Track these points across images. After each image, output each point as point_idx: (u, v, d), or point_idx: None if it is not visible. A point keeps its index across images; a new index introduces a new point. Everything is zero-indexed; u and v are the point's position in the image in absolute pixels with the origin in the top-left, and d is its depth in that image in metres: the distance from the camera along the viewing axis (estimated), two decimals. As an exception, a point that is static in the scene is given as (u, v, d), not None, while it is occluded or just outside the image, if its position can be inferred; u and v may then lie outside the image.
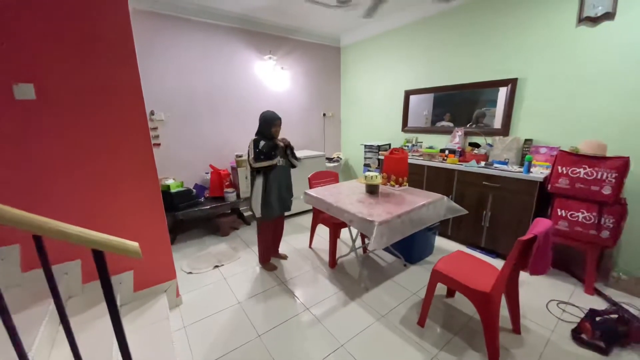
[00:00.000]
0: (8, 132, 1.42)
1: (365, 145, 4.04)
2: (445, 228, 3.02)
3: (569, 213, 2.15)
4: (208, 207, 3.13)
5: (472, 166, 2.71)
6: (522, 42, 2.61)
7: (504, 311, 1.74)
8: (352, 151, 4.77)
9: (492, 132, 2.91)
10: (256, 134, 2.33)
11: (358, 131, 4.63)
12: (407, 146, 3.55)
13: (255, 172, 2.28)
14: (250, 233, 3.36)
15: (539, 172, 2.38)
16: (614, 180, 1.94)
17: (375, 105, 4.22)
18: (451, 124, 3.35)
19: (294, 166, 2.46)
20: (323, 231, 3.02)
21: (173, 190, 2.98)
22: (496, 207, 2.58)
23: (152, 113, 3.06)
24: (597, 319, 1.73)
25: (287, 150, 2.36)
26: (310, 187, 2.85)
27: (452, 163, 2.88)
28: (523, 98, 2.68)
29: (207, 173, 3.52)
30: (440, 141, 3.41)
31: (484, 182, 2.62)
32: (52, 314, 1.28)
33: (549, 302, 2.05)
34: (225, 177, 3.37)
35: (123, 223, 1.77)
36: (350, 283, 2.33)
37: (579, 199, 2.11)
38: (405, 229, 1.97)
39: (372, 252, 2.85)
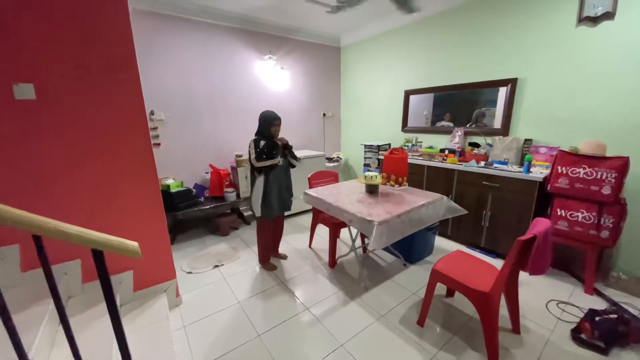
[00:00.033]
0: (8, 132, 1.42)
1: (365, 145, 4.04)
2: (445, 228, 3.02)
3: (569, 213, 2.15)
4: (208, 207, 3.13)
5: (472, 166, 2.71)
6: (522, 42, 2.61)
7: (503, 311, 1.74)
8: (352, 151, 4.77)
9: (492, 132, 2.91)
10: (256, 134, 2.33)
11: (358, 131, 4.63)
12: (407, 146, 3.55)
13: (256, 171, 2.28)
14: (250, 233, 3.36)
15: (538, 172, 2.38)
16: (613, 180, 1.94)
17: (375, 105, 4.22)
18: (451, 124, 3.35)
19: (293, 166, 2.46)
20: (323, 231, 3.02)
21: (173, 190, 2.98)
22: (496, 207, 2.58)
23: (152, 113, 3.06)
24: (597, 318, 1.73)
25: (285, 150, 2.36)
26: (310, 187, 2.85)
27: (451, 163, 2.88)
28: (523, 98, 2.68)
29: (207, 173, 3.52)
30: (440, 141, 3.41)
31: (483, 182, 2.62)
32: (52, 313, 1.28)
33: (549, 302, 2.05)
34: (225, 177, 3.37)
35: (123, 223, 1.77)
36: (350, 283, 2.33)
37: (579, 199, 2.11)
38: (404, 229, 1.97)
39: (371, 252, 2.86)
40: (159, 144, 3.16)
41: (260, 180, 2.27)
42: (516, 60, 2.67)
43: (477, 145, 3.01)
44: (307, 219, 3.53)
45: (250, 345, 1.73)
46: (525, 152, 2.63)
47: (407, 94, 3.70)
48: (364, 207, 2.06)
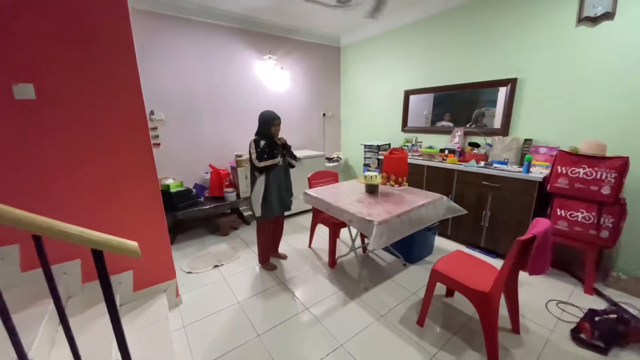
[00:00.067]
0: (8, 132, 1.42)
1: (365, 145, 4.04)
2: (445, 228, 3.02)
3: (568, 213, 2.15)
4: (208, 206, 3.13)
5: (472, 166, 2.71)
6: (522, 42, 2.61)
7: (503, 311, 1.74)
8: (351, 151, 4.77)
9: (492, 132, 2.91)
10: (256, 134, 2.33)
11: (358, 131, 4.63)
12: (407, 146, 3.55)
13: (257, 171, 2.28)
14: (250, 233, 3.37)
15: (538, 172, 2.38)
16: (613, 180, 1.94)
17: (375, 105, 4.22)
18: (451, 124, 3.35)
19: (292, 166, 2.46)
20: (323, 231, 3.02)
21: (173, 190, 2.98)
22: (496, 207, 2.59)
23: (152, 113, 3.06)
24: (597, 318, 1.73)
25: (284, 149, 2.36)
26: (310, 187, 2.85)
27: (451, 163, 2.88)
28: (523, 98, 2.68)
29: (206, 173, 3.52)
30: (440, 141, 3.41)
31: (483, 182, 2.62)
32: (52, 313, 1.28)
33: (549, 302, 2.05)
34: (225, 177, 3.38)
35: (122, 223, 1.77)
36: (349, 283, 2.33)
37: (579, 199, 2.11)
38: (404, 229, 1.97)
39: (371, 251, 2.86)
40: (158, 144, 3.16)
41: (261, 180, 2.27)
42: (516, 60, 2.67)
43: (477, 145, 3.01)
44: (307, 219, 3.53)
45: (250, 345, 1.73)
46: (525, 152, 2.63)
47: (407, 94, 3.70)
48: (364, 207, 2.06)
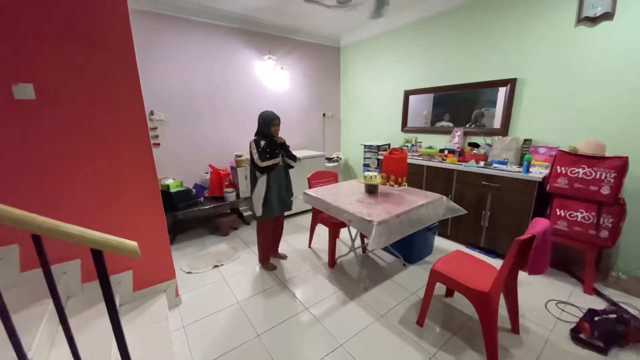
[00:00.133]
0: (8, 132, 1.42)
1: (364, 145, 4.04)
2: (445, 228, 3.03)
3: (568, 213, 2.15)
4: (207, 207, 3.13)
5: (472, 166, 2.71)
6: (522, 42, 2.61)
7: (502, 311, 1.74)
8: (351, 151, 4.77)
9: (492, 132, 2.91)
10: (256, 134, 2.33)
11: (358, 131, 4.63)
12: (407, 146, 3.55)
13: (258, 171, 2.27)
14: (249, 233, 3.37)
15: (538, 172, 2.39)
16: (612, 180, 1.94)
17: (375, 105, 4.22)
18: (451, 124, 3.35)
19: (290, 166, 2.46)
20: (322, 231, 3.02)
21: (172, 190, 2.98)
22: (495, 207, 2.59)
23: (151, 113, 3.06)
24: (596, 318, 1.73)
25: (282, 149, 2.36)
26: (310, 187, 2.85)
27: (451, 163, 2.88)
28: (522, 98, 2.69)
29: (206, 173, 3.52)
30: (439, 141, 3.41)
31: (483, 182, 2.63)
32: (51, 313, 1.28)
33: (548, 302, 2.05)
34: (224, 177, 3.38)
35: (122, 223, 1.77)
36: (349, 283, 2.33)
37: (578, 199, 2.11)
38: (404, 229, 1.97)
39: (371, 251, 2.86)
40: (158, 144, 3.16)
41: (262, 180, 2.28)
42: (516, 60, 2.67)
43: (476, 145, 3.01)
44: (307, 219, 3.53)
45: (249, 345, 1.73)
46: (525, 152, 2.63)
47: (407, 94, 3.70)
48: (364, 207, 2.06)
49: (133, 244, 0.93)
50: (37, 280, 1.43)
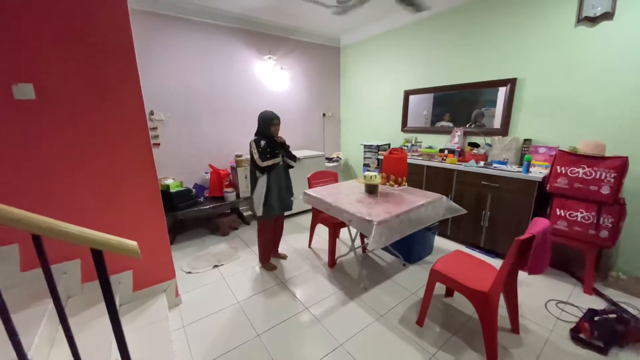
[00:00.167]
0: (8, 132, 1.43)
1: (364, 145, 4.04)
2: (445, 228, 3.03)
3: (568, 213, 2.15)
4: (207, 206, 3.13)
5: (471, 166, 2.71)
6: (522, 42, 2.61)
7: (502, 311, 1.74)
8: (351, 151, 4.77)
9: (492, 132, 2.91)
10: (256, 134, 2.33)
11: (358, 131, 4.63)
12: (407, 146, 3.55)
13: (259, 171, 2.27)
14: (249, 233, 3.37)
15: (537, 172, 2.39)
16: (612, 180, 1.94)
17: (375, 105, 4.22)
18: (451, 124, 3.35)
19: (290, 166, 2.46)
20: (322, 231, 3.02)
21: (172, 190, 2.98)
22: (495, 207, 2.59)
23: (151, 113, 3.06)
24: (596, 318, 1.73)
25: (282, 149, 2.36)
26: (310, 187, 2.85)
27: (451, 163, 2.88)
28: (522, 98, 2.69)
29: (206, 173, 3.52)
30: (439, 141, 3.41)
31: (483, 182, 2.63)
32: (51, 313, 1.28)
33: (548, 302, 2.05)
34: (224, 177, 3.38)
35: (122, 223, 1.77)
36: (349, 283, 2.33)
37: (578, 199, 2.11)
38: (404, 229, 1.97)
39: (371, 251, 2.86)
40: (158, 144, 3.16)
41: (262, 180, 2.28)
42: (515, 60, 2.67)
43: (476, 145, 3.01)
44: (307, 219, 3.53)
45: (249, 345, 1.73)
46: (525, 152, 2.63)
47: (407, 94, 3.70)
48: (364, 207, 2.06)
49: (133, 243, 0.93)
50: (37, 280, 1.43)
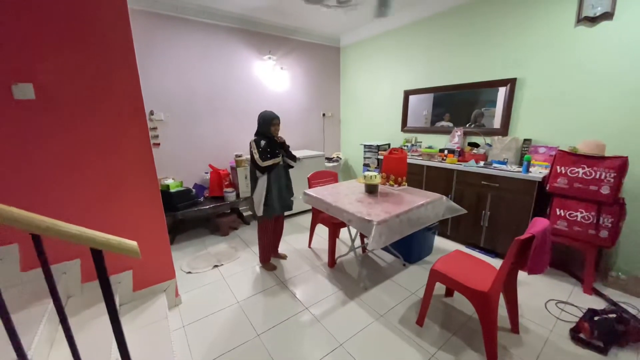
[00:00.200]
0: (7, 132, 1.43)
1: (364, 145, 4.04)
2: (445, 228, 3.03)
3: (568, 213, 2.15)
4: (207, 206, 3.13)
5: (471, 166, 2.71)
6: (522, 42, 2.61)
7: (502, 311, 1.74)
8: (351, 151, 4.77)
9: (492, 132, 2.91)
10: (255, 134, 2.33)
11: (357, 131, 4.63)
12: (407, 146, 3.55)
13: (259, 171, 2.27)
14: (249, 233, 3.37)
15: (537, 171, 2.39)
16: (612, 180, 1.94)
17: (375, 105, 4.22)
18: (450, 124, 3.36)
19: (290, 166, 2.46)
20: (322, 231, 3.02)
21: (172, 189, 2.98)
22: (495, 207, 2.59)
23: (151, 113, 3.06)
24: (596, 318, 1.73)
25: (282, 149, 2.36)
26: (310, 187, 2.85)
27: (451, 163, 2.88)
28: (522, 98, 2.69)
29: (206, 173, 3.52)
30: (439, 141, 3.41)
31: (483, 182, 2.63)
32: (51, 313, 1.28)
33: (548, 302, 2.05)
34: (224, 177, 3.38)
35: (122, 222, 1.77)
36: (349, 282, 2.33)
37: (578, 199, 2.11)
38: (404, 229, 1.97)
39: (371, 251, 2.86)
40: (158, 144, 3.16)
41: (263, 180, 2.28)
42: (515, 60, 2.67)
43: (476, 145, 3.01)
44: (307, 219, 3.53)
45: (249, 345, 1.73)
46: (525, 152, 2.63)
47: (407, 94, 3.70)
48: (363, 207, 2.06)
49: (133, 243, 0.93)
50: (37, 280, 1.43)
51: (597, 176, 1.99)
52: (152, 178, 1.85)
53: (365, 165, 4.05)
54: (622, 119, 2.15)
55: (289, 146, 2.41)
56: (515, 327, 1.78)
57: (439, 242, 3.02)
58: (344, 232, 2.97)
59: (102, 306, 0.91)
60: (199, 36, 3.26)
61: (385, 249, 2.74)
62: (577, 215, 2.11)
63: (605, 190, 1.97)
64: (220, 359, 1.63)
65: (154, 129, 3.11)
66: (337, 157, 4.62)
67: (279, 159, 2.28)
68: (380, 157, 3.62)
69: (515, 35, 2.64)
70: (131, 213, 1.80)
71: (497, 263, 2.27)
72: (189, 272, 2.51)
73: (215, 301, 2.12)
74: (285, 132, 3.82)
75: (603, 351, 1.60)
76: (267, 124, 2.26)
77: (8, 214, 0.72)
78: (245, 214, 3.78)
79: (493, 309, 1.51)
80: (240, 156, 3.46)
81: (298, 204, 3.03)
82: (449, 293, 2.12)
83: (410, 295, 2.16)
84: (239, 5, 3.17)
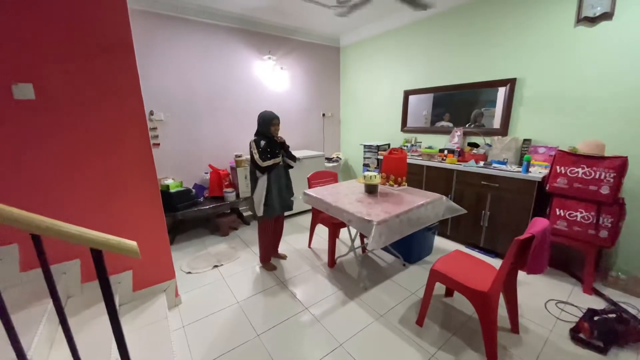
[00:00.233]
0: (7, 132, 1.42)
1: (364, 145, 4.04)
2: (444, 228, 3.03)
3: (568, 213, 2.15)
4: (207, 207, 3.13)
5: (471, 166, 2.71)
6: (522, 42, 2.61)
7: (502, 311, 1.74)
8: (351, 151, 4.77)
9: (491, 132, 2.92)
10: (255, 134, 2.33)
11: (357, 131, 4.63)
12: (406, 146, 3.55)
13: (259, 171, 2.27)
14: (249, 233, 3.37)
15: (537, 171, 2.39)
16: (612, 180, 1.94)
17: (375, 105, 4.22)
18: (450, 124, 3.36)
19: (290, 166, 2.46)
20: (322, 231, 3.02)
21: (172, 190, 2.98)
22: (495, 207, 2.59)
23: (151, 113, 3.06)
24: (596, 318, 1.73)
25: (282, 149, 2.36)
26: (310, 187, 2.85)
27: (451, 163, 2.88)
28: (522, 98, 2.69)
29: (206, 173, 3.52)
30: (439, 141, 3.41)
31: (482, 182, 2.63)
32: (51, 313, 1.28)
33: (548, 302, 2.05)
34: (224, 177, 3.38)
35: (122, 223, 1.77)
36: (349, 283, 2.33)
37: (578, 199, 2.11)
38: (403, 229, 1.97)
39: (371, 251, 2.86)
40: (158, 144, 3.16)
41: (263, 180, 2.28)
42: (515, 60, 2.67)
43: (476, 145, 3.01)
44: (307, 219, 3.53)
45: (249, 345, 1.73)
46: (524, 152, 2.63)
47: (407, 94, 3.70)
48: (363, 207, 2.06)
49: (132, 243, 0.93)
50: (36, 280, 1.43)
51: (597, 176, 1.99)
52: (152, 178, 1.85)
53: (365, 165, 4.05)
54: (622, 119, 2.15)
55: (288, 146, 2.41)
56: (515, 327, 1.78)
57: (439, 242, 3.02)
58: (344, 232, 2.97)
59: (102, 306, 0.91)
60: (199, 36, 3.26)
61: (385, 249, 2.74)
62: (576, 215, 2.11)
63: (605, 190, 1.97)
64: (220, 359, 1.63)
65: (154, 129, 3.11)
66: (337, 157, 4.62)
67: (279, 159, 2.28)
68: (380, 157, 3.62)
69: (515, 35, 2.64)
70: (131, 213, 1.80)
71: (497, 263, 2.27)
72: (189, 272, 2.51)
73: (215, 301, 2.12)
74: (285, 132, 3.82)
75: (603, 351, 1.60)
76: (267, 124, 2.26)
77: (8, 214, 0.72)
78: (245, 214, 3.78)
79: (493, 309, 1.51)
80: (240, 156, 3.46)
81: (298, 204, 3.03)
82: (448, 293, 2.12)
83: (410, 295, 2.16)
84: (239, 5, 3.17)
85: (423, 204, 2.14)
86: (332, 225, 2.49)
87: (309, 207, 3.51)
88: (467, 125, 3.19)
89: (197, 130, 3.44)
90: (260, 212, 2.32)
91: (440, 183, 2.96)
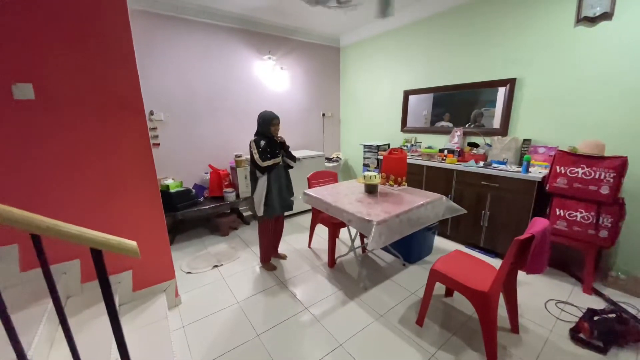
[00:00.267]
0: (7, 132, 1.43)
1: (364, 145, 4.04)
2: (444, 228, 3.03)
3: (567, 213, 2.15)
4: (207, 207, 3.13)
5: (471, 166, 2.71)
6: (521, 42, 2.61)
7: (502, 311, 1.74)
8: (351, 151, 4.77)
9: (491, 132, 2.92)
10: (255, 134, 2.33)
11: (357, 131, 4.63)
12: (406, 146, 3.55)
13: (259, 171, 2.27)
14: (249, 233, 3.37)
15: (537, 171, 2.39)
16: (612, 180, 1.94)
17: (375, 105, 4.22)
18: (450, 124, 3.36)
19: (290, 166, 2.46)
20: (322, 231, 3.02)
21: (172, 190, 2.98)
22: (495, 207, 2.59)
23: (151, 113, 3.06)
24: (596, 318, 1.73)
25: (282, 149, 2.36)
26: (310, 187, 2.85)
27: (451, 163, 2.88)
28: (522, 98, 2.69)
29: (206, 173, 3.52)
30: (439, 141, 3.41)
31: (482, 182, 2.63)
32: (51, 313, 1.28)
33: (548, 302, 2.05)
34: (224, 177, 3.38)
35: (122, 223, 1.77)
36: (349, 282, 2.33)
37: (577, 199, 2.11)
38: (403, 229, 1.98)
39: (371, 251, 2.86)
40: (158, 144, 3.16)
41: (263, 180, 2.28)
42: (515, 60, 2.67)
43: (476, 145, 3.01)
44: (307, 219, 3.53)
45: (249, 345, 1.73)
46: (524, 152, 2.63)
47: (407, 94, 3.70)
48: (363, 206, 2.06)
49: (132, 243, 0.93)
50: (36, 280, 1.43)
51: (597, 176, 1.99)
52: (151, 178, 1.85)
53: (365, 165, 4.05)
54: (621, 119, 2.15)
55: (288, 146, 2.41)
56: (515, 327, 1.78)
57: (439, 242, 3.02)
58: (343, 232, 2.97)
59: (102, 306, 0.91)
60: (199, 36, 3.26)
61: (385, 249, 2.74)
62: (576, 215, 2.12)
63: (604, 190, 1.97)
64: (220, 359, 1.63)
65: (154, 129, 3.11)
66: (337, 157, 4.62)
67: (278, 159, 2.28)
68: (380, 157, 3.62)
69: (515, 35, 2.64)
70: (131, 213, 1.80)
71: (496, 263, 2.27)
72: (189, 272, 2.51)
73: (215, 301, 2.12)
74: (285, 132, 3.82)
75: (603, 351, 1.60)
76: (267, 124, 2.26)
77: (8, 214, 0.72)
78: (245, 214, 3.78)
79: (493, 308, 1.51)
80: (240, 156, 3.46)
81: (298, 204, 3.03)
82: (448, 293, 2.12)
83: (410, 295, 2.16)
84: (239, 5, 3.17)
85: (423, 204, 2.14)
86: (332, 225, 2.49)
87: (309, 207, 3.50)
88: (467, 125, 3.19)
89: (197, 130, 3.44)
90: (260, 212, 2.32)
91: (440, 183, 2.96)
